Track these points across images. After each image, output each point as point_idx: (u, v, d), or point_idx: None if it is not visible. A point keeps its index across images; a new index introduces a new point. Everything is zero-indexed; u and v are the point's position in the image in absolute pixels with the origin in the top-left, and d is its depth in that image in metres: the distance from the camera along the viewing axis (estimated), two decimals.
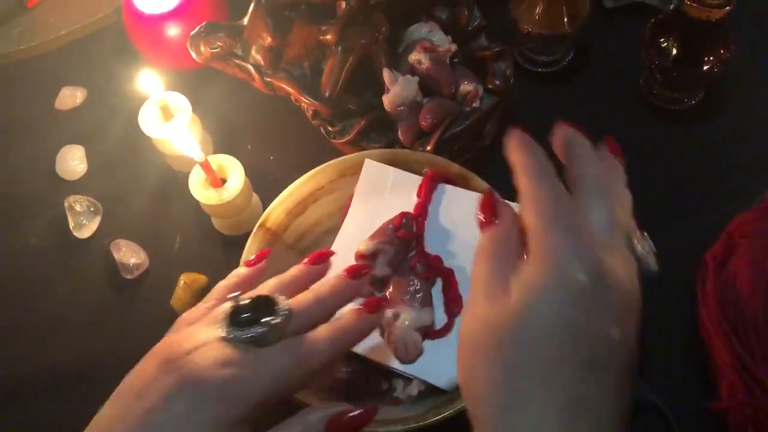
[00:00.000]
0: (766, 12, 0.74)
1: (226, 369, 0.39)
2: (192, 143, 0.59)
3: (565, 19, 0.68)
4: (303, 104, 0.64)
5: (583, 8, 0.68)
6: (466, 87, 0.64)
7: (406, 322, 0.52)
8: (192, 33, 0.65)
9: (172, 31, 0.71)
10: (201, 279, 0.63)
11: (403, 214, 0.56)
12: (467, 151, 0.64)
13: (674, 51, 0.65)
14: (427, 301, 0.54)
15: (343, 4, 0.63)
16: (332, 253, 0.50)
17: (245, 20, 0.65)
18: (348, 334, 0.44)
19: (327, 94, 0.63)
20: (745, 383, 0.51)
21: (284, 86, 0.64)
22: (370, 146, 0.63)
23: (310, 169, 0.60)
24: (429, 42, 0.65)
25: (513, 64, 0.65)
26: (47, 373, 0.61)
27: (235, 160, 0.63)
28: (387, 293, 0.54)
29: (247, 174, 0.62)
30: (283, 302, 0.43)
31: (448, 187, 0.59)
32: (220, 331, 0.42)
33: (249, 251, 0.57)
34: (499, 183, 0.58)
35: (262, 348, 0.41)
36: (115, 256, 0.65)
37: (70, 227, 0.67)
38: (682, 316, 0.58)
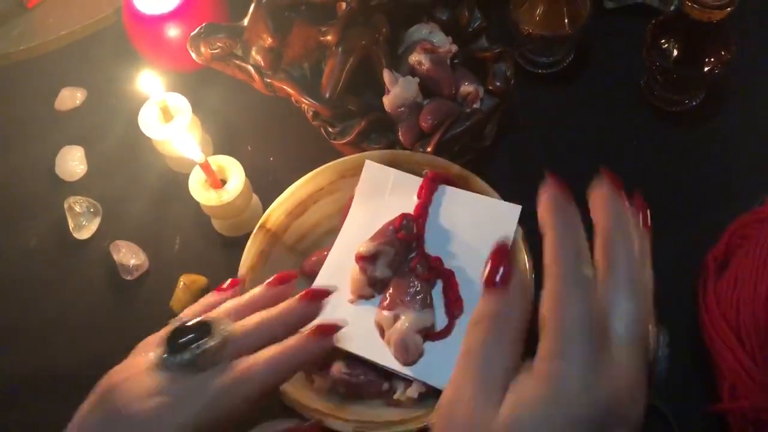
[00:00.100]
0: (767, 13, 0.74)
1: (154, 399, 0.40)
2: (192, 144, 0.59)
3: (566, 21, 0.68)
4: (303, 105, 0.64)
5: (583, 9, 0.68)
6: (467, 88, 0.64)
7: (407, 324, 0.52)
8: (192, 34, 0.65)
9: (172, 32, 0.71)
10: (201, 280, 0.63)
11: (404, 216, 0.56)
12: (468, 152, 0.64)
13: (675, 52, 0.65)
14: (427, 303, 0.54)
15: (344, 5, 0.63)
16: (295, 276, 0.50)
17: (245, 21, 0.65)
18: (292, 358, 0.43)
19: (327, 95, 0.63)
20: (746, 384, 0.51)
21: (284, 87, 0.64)
22: (371, 147, 0.63)
23: (311, 170, 0.60)
24: (429, 43, 0.65)
25: (513, 65, 0.65)
26: (47, 373, 0.61)
27: (235, 161, 0.63)
28: (387, 294, 0.54)
29: (247, 175, 0.62)
30: (224, 325, 0.43)
31: (449, 189, 0.59)
32: (153, 357, 0.42)
33: (249, 252, 0.57)
34: (500, 184, 0.58)
35: (197, 373, 0.41)
36: (115, 257, 0.65)
37: (70, 228, 0.67)
38: (683, 317, 0.58)
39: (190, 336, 0.42)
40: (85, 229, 0.67)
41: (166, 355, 0.42)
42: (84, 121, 0.75)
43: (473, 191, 0.58)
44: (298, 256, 0.60)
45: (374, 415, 0.52)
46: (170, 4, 0.70)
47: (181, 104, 0.66)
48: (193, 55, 0.66)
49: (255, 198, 0.66)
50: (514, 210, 0.56)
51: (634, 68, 0.70)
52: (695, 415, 0.54)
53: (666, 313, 0.58)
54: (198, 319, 0.44)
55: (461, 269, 0.56)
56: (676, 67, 0.65)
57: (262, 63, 0.64)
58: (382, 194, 0.59)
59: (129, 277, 0.64)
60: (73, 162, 0.71)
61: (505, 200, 0.57)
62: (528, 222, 0.56)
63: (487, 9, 0.68)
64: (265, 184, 0.67)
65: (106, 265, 0.65)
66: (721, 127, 0.68)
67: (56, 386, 0.60)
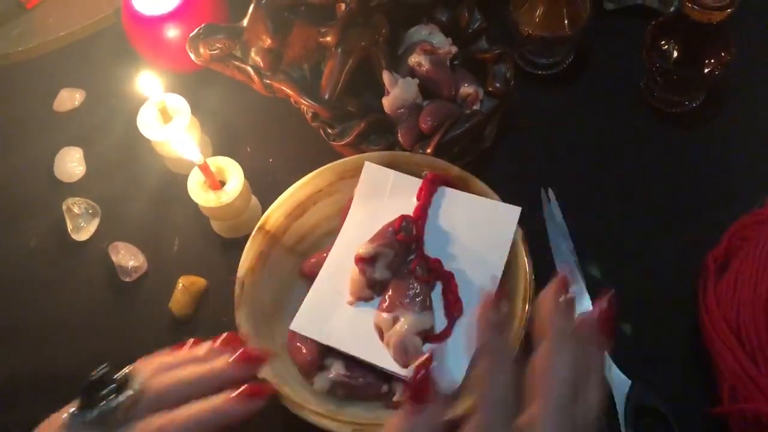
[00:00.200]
0: (767, 14, 0.74)
1: None
2: (191, 145, 0.59)
3: (566, 22, 0.68)
4: (302, 106, 0.64)
5: (583, 11, 0.68)
6: (467, 89, 0.64)
7: (406, 326, 0.52)
8: (191, 34, 0.65)
9: (172, 32, 0.70)
10: (200, 282, 0.63)
11: (403, 217, 0.56)
12: (467, 153, 0.64)
13: (675, 53, 0.65)
14: (426, 305, 0.54)
15: (343, 6, 0.63)
16: (264, 359, 0.48)
17: (245, 22, 0.65)
18: (214, 419, 0.42)
19: (327, 96, 0.63)
20: (747, 386, 0.51)
21: (284, 88, 0.64)
22: (370, 148, 0.63)
23: (310, 172, 0.60)
24: (429, 44, 0.65)
25: (513, 66, 0.65)
26: (47, 373, 0.61)
27: (234, 162, 0.63)
28: (386, 296, 0.54)
29: (246, 176, 0.62)
30: (137, 381, 0.42)
31: (448, 190, 0.58)
32: (66, 416, 0.41)
33: (248, 254, 0.56)
34: (499, 185, 0.58)
35: (110, 430, 0.40)
36: (114, 258, 0.65)
37: (69, 229, 0.67)
38: (684, 317, 0.58)
39: (110, 387, 0.41)
40: (83, 230, 0.67)
41: (75, 412, 0.41)
42: (83, 122, 0.75)
43: (473, 193, 0.58)
44: (298, 258, 0.60)
45: (373, 417, 0.52)
46: (169, 4, 0.70)
47: (180, 105, 0.66)
48: (192, 56, 0.66)
49: (254, 199, 0.66)
50: (514, 211, 0.56)
51: (633, 69, 0.70)
52: (695, 416, 0.54)
53: (666, 314, 0.59)
54: (124, 371, 0.42)
55: (461, 271, 0.55)
56: (676, 68, 0.65)
57: (262, 64, 0.64)
58: (381, 196, 0.59)
59: (128, 279, 0.64)
60: (71, 163, 0.71)
61: (504, 202, 0.57)
62: (528, 223, 0.56)
63: (487, 10, 0.68)
64: (264, 186, 0.67)
65: (105, 267, 0.65)
66: (721, 129, 0.68)
67: (56, 386, 0.60)
